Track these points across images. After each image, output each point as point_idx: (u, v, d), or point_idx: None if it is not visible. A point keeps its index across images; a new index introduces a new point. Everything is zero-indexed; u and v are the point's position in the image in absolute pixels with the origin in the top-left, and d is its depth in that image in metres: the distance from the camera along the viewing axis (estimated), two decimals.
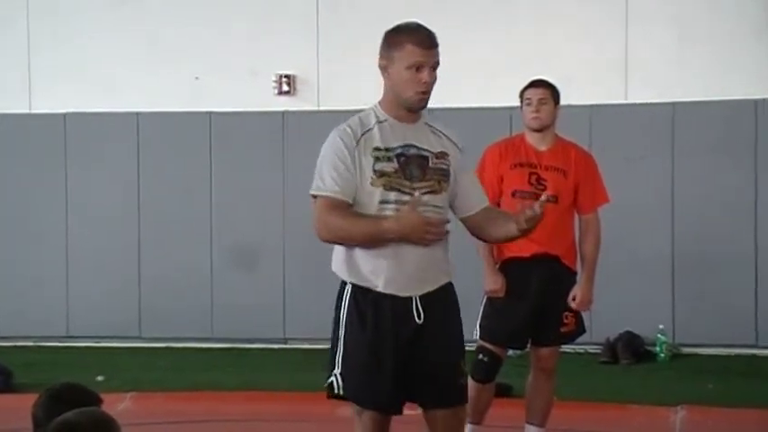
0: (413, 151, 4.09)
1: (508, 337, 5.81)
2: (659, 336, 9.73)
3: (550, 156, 5.76)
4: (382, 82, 4.29)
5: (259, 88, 10.76)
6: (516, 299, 5.69)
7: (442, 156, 4.13)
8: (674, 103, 10.06)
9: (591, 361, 9.54)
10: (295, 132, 10.69)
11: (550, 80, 5.93)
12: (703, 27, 10.13)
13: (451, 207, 4.25)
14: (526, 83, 5.92)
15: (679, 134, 10.08)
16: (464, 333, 4.26)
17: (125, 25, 11.01)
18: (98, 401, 3.35)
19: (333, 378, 4.19)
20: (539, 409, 5.89)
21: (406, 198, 4.02)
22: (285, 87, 10.78)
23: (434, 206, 4.08)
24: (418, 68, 4.07)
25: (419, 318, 4.06)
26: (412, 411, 4.35)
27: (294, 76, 10.81)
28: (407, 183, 4.03)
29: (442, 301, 4.15)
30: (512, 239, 4.36)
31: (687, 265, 10.04)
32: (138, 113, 10.89)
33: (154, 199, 10.86)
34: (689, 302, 10.02)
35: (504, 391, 6.98)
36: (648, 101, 10.11)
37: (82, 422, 2.99)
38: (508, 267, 5.74)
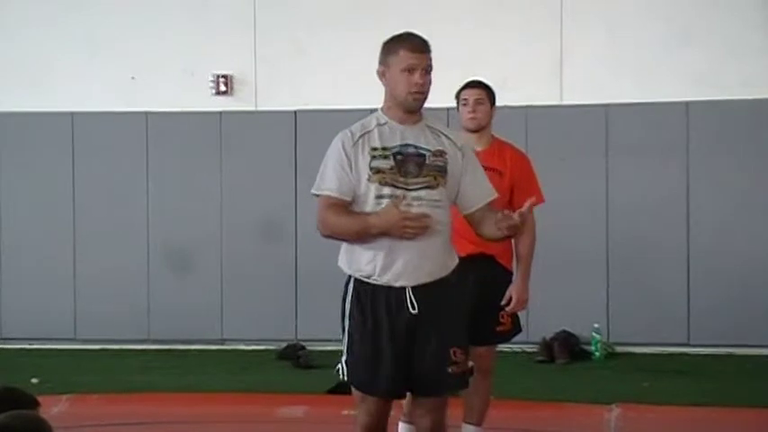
0: (411, 150, 4.39)
1: None
2: (594, 335, 9.84)
3: (486, 156, 5.79)
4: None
5: (196, 88, 10.71)
6: None
7: (440, 154, 4.42)
8: (607, 105, 10.18)
9: (527, 360, 9.62)
10: (232, 133, 10.66)
11: (486, 81, 5.98)
12: (635, 30, 10.27)
13: (456, 205, 4.53)
14: (462, 83, 5.96)
15: (613, 135, 10.21)
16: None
17: (59, 23, 10.90)
18: (35, 405, 3.32)
19: (340, 364, 4.50)
20: (476, 409, 5.92)
21: (399, 192, 4.34)
22: (222, 87, 10.74)
23: (432, 200, 4.38)
24: (411, 71, 4.38)
25: (413, 308, 4.33)
26: None
27: (231, 77, 10.77)
28: (402, 179, 4.35)
29: (440, 292, 4.38)
30: (501, 240, 4.71)
31: (621, 265, 10.17)
32: (72, 113, 10.79)
33: (89, 200, 10.77)
34: (623, 302, 10.15)
35: None
36: (582, 102, 10.22)
37: (14, 425, 2.97)
38: None
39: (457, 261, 4.52)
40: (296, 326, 10.50)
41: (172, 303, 10.63)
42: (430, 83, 4.44)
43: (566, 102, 10.30)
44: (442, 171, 4.40)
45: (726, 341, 9.98)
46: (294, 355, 9.80)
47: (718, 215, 10.09)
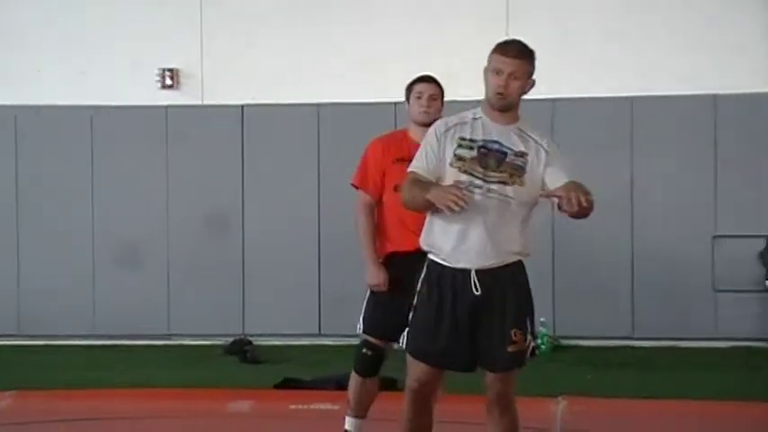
0: (495, 146, 4.72)
1: (392, 332, 5.84)
2: (540, 328, 9.91)
3: None
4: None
5: (142, 82, 10.65)
6: (400, 293, 5.72)
7: (521, 155, 4.74)
8: (554, 100, 10.25)
9: None
10: (178, 127, 10.61)
11: (435, 75, 6.00)
12: (582, 24, 10.35)
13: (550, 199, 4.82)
14: (413, 77, 5.96)
15: (559, 130, 10.28)
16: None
17: (6, 17, 10.79)
18: None
19: (404, 335, 4.92)
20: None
21: (477, 182, 4.65)
22: (168, 81, 10.68)
23: (503, 195, 4.69)
24: (497, 73, 4.77)
25: (476, 290, 4.65)
26: None
27: (177, 70, 10.72)
28: (481, 170, 4.66)
29: (504, 276, 4.71)
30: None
31: (566, 259, 10.25)
32: (17, 107, 10.68)
33: (33, 195, 10.68)
34: (568, 296, 10.24)
35: (388, 385, 7.04)
36: (531, 97, 10.25)
37: None
38: (391, 261, 5.77)
39: (528, 252, 4.81)
40: (243, 321, 10.48)
41: (118, 298, 10.57)
42: (516, 88, 4.76)
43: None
44: (519, 170, 4.71)
45: (669, 334, 10.10)
46: (241, 350, 9.77)
47: (662, 209, 10.21)
